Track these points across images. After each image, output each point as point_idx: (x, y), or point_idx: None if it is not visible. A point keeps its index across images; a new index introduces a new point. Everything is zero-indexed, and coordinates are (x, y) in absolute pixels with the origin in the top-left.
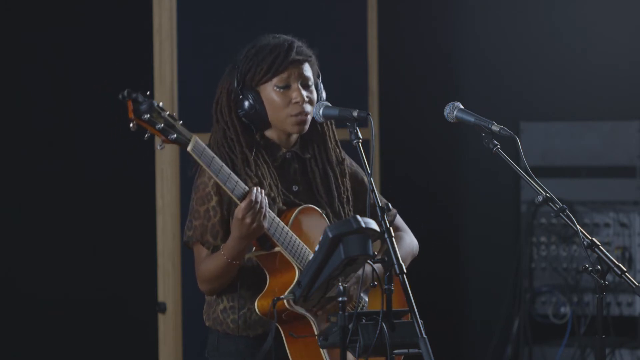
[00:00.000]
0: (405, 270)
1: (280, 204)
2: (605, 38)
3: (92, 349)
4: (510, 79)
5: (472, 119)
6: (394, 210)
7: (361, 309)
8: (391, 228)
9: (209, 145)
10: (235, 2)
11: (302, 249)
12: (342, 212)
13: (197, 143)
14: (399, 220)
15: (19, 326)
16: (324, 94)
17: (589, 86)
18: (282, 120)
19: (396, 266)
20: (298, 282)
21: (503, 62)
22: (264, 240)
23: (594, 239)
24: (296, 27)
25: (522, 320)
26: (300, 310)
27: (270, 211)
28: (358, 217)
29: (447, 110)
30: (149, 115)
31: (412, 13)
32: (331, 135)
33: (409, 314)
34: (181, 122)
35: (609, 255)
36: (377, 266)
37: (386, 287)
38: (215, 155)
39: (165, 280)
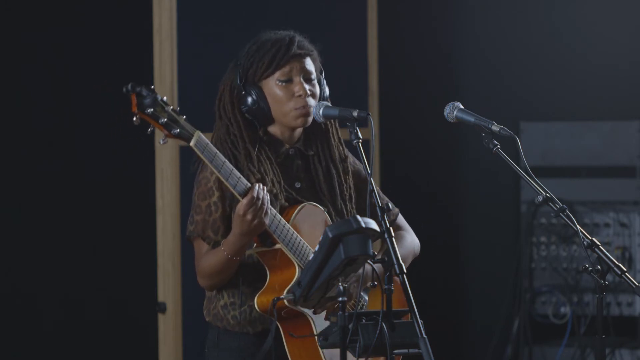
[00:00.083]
0: (405, 270)
1: (283, 201)
2: (605, 38)
3: (92, 349)
4: (510, 79)
5: (472, 119)
6: (396, 210)
7: (361, 308)
8: (393, 227)
9: (211, 142)
10: (235, 2)
11: (303, 246)
12: (344, 210)
13: (200, 138)
14: (400, 219)
15: (19, 326)
16: (327, 90)
17: (589, 86)
18: (286, 114)
19: (396, 266)
20: (298, 282)
21: (503, 62)
22: (265, 237)
23: (594, 239)
24: (296, 27)
25: (522, 320)
26: (299, 308)
27: (272, 208)
28: (358, 217)
29: (447, 110)
30: (152, 110)
31: (412, 13)
32: (334, 133)
33: (409, 314)
34: (185, 117)
35: (609, 255)
36: (377, 266)
37: (386, 287)
38: (217, 151)
39: (165, 280)
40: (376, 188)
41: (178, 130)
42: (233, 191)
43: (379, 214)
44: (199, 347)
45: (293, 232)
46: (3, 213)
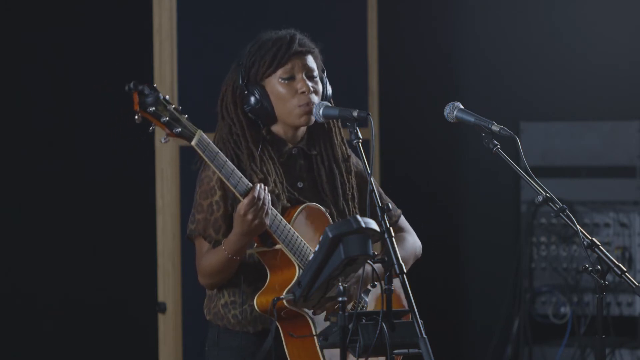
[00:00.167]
0: (405, 270)
1: (285, 201)
2: (605, 38)
3: (92, 349)
4: (510, 79)
5: (472, 119)
6: (399, 211)
7: (361, 309)
8: (395, 229)
9: (214, 142)
10: (235, 2)
11: (303, 246)
12: (346, 210)
13: (202, 137)
14: (403, 221)
15: (19, 326)
16: (329, 89)
17: (589, 86)
18: (289, 112)
19: (396, 266)
20: (298, 282)
21: (503, 62)
22: (266, 237)
23: (594, 239)
24: (296, 27)
25: (522, 320)
26: (299, 309)
27: (273, 208)
28: (358, 217)
29: (447, 110)
30: (154, 108)
31: (412, 13)
32: (337, 132)
33: (409, 314)
34: (186, 116)
35: (609, 255)
36: (377, 266)
37: (386, 287)
38: (219, 151)
39: (165, 280)
40: (379, 189)
41: (180, 129)
42: (234, 191)
43: (379, 214)
44: (199, 347)
45: (294, 233)
46: (3, 213)
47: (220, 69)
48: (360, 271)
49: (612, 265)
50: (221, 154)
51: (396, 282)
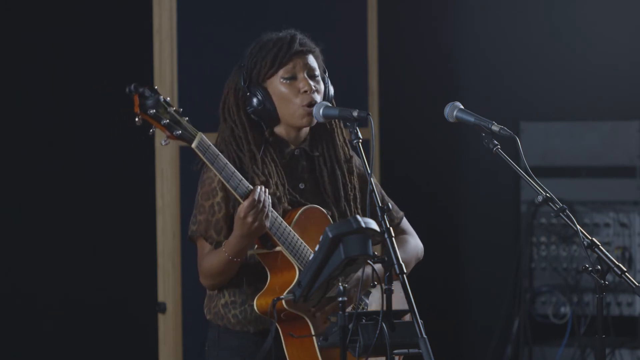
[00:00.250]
0: (405, 270)
1: (286, 204)
2: (605, 38)
3: (92, 349)
4: (510, 79)
5: (472, 119)
6: (401, 213)
7: (361, 310)
8: (397, 231)
9: (215, 144)
10: (235, 2)
11: (303, 249)
12: (348, 211)
13: (202, 140)
14: (405, 223)
15: (19, 326)
16: (331, 89)
17: (589, 86)
18: (293, 112)
19: (396, 266)
20: (298, 282)
21: (503, 62)
22: (266, 239)
23: (594, 239)
24: (296, 27)
25: (522, 320)
26: (298, 311)
27: (273, 210)
28: (358, 217)
29: (447, 110)
30: (154, 111)
31: (412, 13)
32: (339, 133)
33: (409, 314)
34: (187, 118)
35: (609, 255)
36: (377, 266)
37: (386, 287)
38: (219, 153)
39: (165, 280)
40: (381, 190)
41: (180, 131)
42: (234, 193)
43: (379, 214)
44: (199, 347)
45: (294, 235)
46: (3, 213)
47: (220, 69)
48: (360, 272)
49: (612, 265)
50: (221, 157)
51: (398, 284)
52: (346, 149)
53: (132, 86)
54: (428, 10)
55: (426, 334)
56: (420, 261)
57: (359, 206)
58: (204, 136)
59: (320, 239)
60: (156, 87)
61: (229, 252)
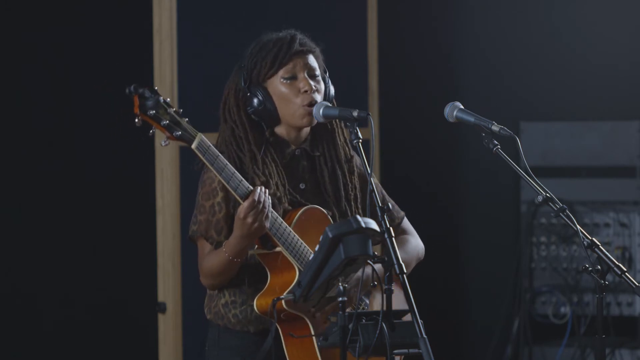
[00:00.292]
0: (405, 270)
1: (286, 205)
2: (605, 38)
3: (92, 349)
4: (510, 79)
5: (472, 119)
6: (402, 213)
7: (361, 310)
8: (398, 231)
9: (216, 145)
10: (235, 2)
11: (303, 249)
12: (348, 211)
13: (202, 141)
14: (406, 223)
15: (19, 326)
16: (332, 89)
17: (589, 86)
18: (293, 112)
19: (396, 266)
20: (298, 282)
21: (503, 62)
22: (266, 240)
23: (594, 239)
24: (296, 27)
25: (522, 320)
26: (297, 312)
27: (273, 211)
28: (358, 217)
29: (447, 110)
30: (154, 111)
31: (412, 13)
32: (340, 133)
33: (409, 314)
34: (187, 119)
35: (609, 255)
36: (377, 266)
37: (386, 287)
38: (219, 154)
39: (165, 280)
40: (382, 190)
41: (180, 132)
42: (234, 194)
43: (379, 214)
44: (199, 347)
45: (294, 236)
46: (3, 213)
47: (220, 69)
48: (359, 273)
49: (612, 265)
50: (221, 157)
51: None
52: (347, 148)
53: (132, 87)
54: (428, 10)
55: (426, 334)
56: (420, 261)
57: (359, 206)
58: (203, 137)
59: (320, 239)
60: (156, 88)
61: (229, 253)
